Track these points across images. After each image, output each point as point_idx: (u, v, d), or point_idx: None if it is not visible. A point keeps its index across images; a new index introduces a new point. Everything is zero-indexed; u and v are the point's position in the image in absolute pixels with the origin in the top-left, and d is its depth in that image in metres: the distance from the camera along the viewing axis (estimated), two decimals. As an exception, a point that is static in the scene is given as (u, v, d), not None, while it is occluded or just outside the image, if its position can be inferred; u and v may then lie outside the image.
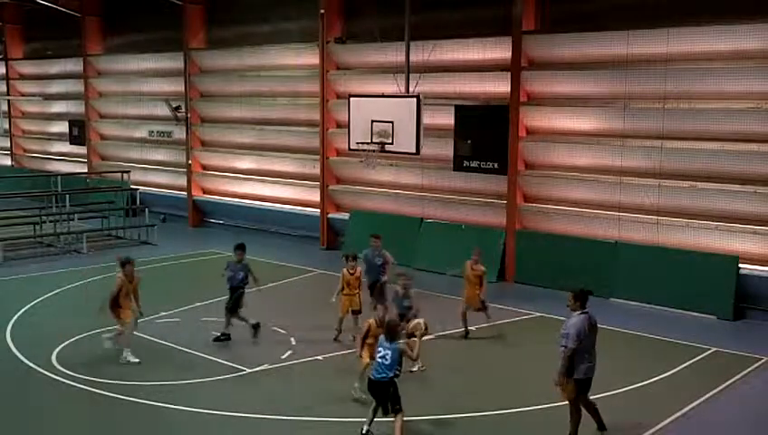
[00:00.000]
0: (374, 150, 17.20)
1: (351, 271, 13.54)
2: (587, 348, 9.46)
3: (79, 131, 30.65)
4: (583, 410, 9.68)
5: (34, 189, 27.08)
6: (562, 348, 9.39)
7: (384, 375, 9.39)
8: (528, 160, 19.00)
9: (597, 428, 9.82)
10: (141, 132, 28.76)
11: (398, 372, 9.45)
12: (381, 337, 9.64)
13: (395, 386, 9.47)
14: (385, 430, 9.68)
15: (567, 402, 9.66)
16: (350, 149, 18.12)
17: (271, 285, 16.44)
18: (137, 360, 12.49)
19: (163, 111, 26.24)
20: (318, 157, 22.66)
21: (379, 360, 9.41)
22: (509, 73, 18.39)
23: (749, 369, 12.58)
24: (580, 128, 18.17)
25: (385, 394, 9.43)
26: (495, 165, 18.60)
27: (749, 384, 12.05)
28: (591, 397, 10.13)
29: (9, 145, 35.11)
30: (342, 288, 13.52)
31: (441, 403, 10.72)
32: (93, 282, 18.16)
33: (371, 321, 10.84)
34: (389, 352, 9.38)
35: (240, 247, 13.80)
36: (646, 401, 11.11)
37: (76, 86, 30.93)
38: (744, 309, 15.80)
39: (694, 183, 16.57)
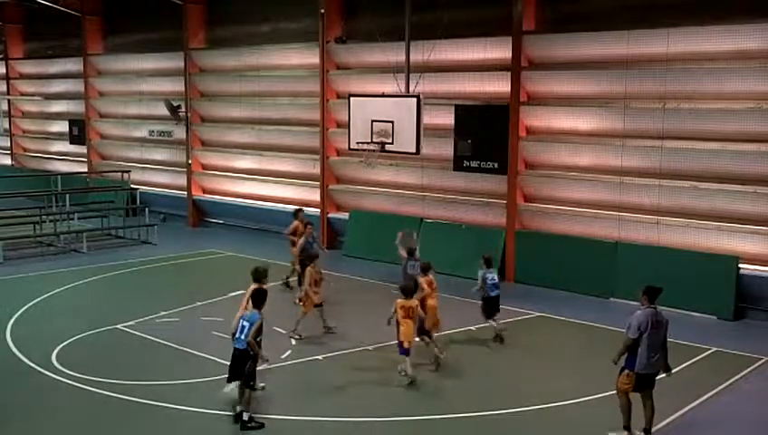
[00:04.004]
0: (374, 150, 17.21)
1: None
2: (653, 344, 9.53)
3: (79, 131, 30.63)
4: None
5: (34, 189, 27.06)
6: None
7: None
8: (528, 160, 19.00)
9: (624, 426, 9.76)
10: (141, 132, 28.74)
11: None
12: None
13: None
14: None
15: (616, 394, 9.76)
16: (350, 148, 18.13)
17: (271, 284, 16.41)
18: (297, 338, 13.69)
19: (163, 110, 26.22)
20: (318, 157, 22.67)
21: None
22: (509, 73, 18.40)
23: (749, 369, 12.59)
24: (580, 128, 18.17)
25: None
26: (495, 165, 18.59)
27: (749, 384, 12.06)
28: (593, 397, 10.15)
29: (9, 144, 35.12)
30: None
31: (441, 403, 10.71)
32: (94, 281, 18.18)
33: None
34: None
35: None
36: (646, 401, 11.09)
37: (76, 86, 30.91)
38: (743, 309, 15.79)
39: (694, 183, 16.56)
